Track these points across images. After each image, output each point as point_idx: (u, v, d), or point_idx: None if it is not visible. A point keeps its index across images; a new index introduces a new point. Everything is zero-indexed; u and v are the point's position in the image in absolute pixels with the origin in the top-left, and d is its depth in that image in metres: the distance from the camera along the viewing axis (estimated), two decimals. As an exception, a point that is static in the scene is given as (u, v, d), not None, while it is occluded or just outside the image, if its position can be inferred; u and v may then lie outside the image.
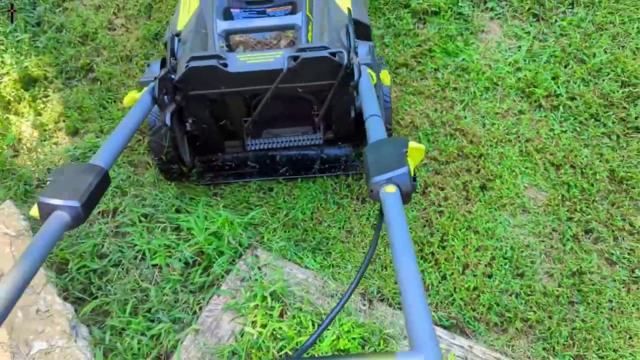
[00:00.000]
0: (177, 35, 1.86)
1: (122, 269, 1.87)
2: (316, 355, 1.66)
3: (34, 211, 0.98)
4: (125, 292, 1.81)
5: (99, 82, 2.32)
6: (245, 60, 1.71)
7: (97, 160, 1.11)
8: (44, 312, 1.64)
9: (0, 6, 2.46)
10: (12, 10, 2.25)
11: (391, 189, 0.97)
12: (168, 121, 1.69)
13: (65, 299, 1.73)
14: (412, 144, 1.07)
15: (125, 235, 1.94)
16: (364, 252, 1.92)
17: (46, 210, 0.95)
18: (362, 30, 1.90)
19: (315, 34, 1.83)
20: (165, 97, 1.69)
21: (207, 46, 1.84)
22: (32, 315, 1.63)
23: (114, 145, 1.22)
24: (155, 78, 1.61)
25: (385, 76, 1.73)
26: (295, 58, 1.65)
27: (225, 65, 1.67)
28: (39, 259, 0.85)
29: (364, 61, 1.67)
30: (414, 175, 1.05)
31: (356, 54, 1.70)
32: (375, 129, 1.24)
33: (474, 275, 1.87)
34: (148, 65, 1.80)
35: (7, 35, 2.37)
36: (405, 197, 0.99)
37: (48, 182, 0.99)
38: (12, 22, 2.26)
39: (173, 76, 1.70)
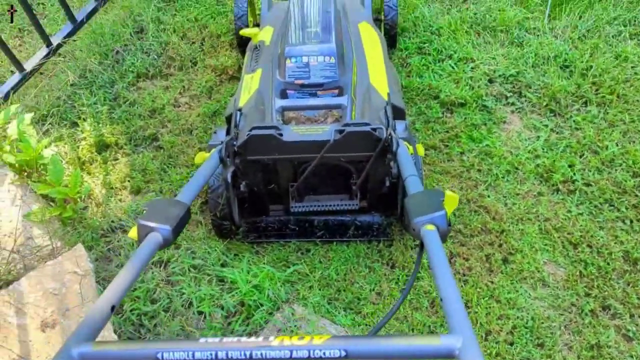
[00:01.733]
0: (239, 110, 2.10)
1: (170, 314, 1.99)
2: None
3: (133, 233, 1.15)
4: (172, 334, 1.92)
5: (162, 150, 2.57)
6: (298, 132, 1.93)
7: (181, 197, 1.30)
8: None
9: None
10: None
11: (431, 227, 1.11)
12: (229, 179, 1.89)
13: (119, 336, 1.84)
14: (448, 192, 1.23)
15: (175, 284, 2.08)
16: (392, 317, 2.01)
17: (144, 232, 1.12)
18: (397, 113, 2.12)
19: (358, 113, 2.05)
20: (228, 159, 1.90)
21: (264, 120, 2.07)
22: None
23: (193, 187, 1.43)
24: (222, 142, 1.84)
25: (420, 148, 1.92)
26: (341, 131, 1.87)
27: (281, 135, 1.89)
28: (139, 270, 0.99)
29: (401, 136, 1.86)
30: (449, 220, 1.19)
31: (394, 130, 1.91)
32: (413, 184, 1.40)
33: (496, 342, 1.93)
34: (215, 132, 2.04)
35: (89, 106, 2.67)
36: (442, 237, 1.13)
37: (144, 211, 1.16)
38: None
39: (235, 142, 1.92)
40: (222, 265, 2.14)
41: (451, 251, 2.18)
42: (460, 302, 0.83)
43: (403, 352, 0.73)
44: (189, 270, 2.10)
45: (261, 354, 0.72)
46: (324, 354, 0.71)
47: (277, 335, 0.77)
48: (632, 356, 1.90)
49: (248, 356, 0.72)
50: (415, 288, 2.09)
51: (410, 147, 1.81)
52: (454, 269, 2.13)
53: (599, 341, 1.92)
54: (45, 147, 2.24)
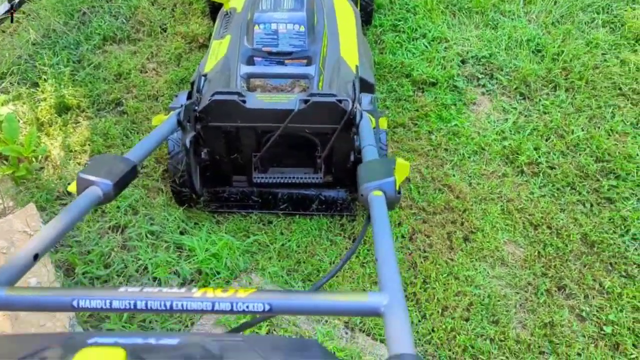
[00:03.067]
0: (204, 75, 2.05)
1: (125, 279, 1.95)
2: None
3: (72, 187, 1.10)
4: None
5: (125, 115, 2.50)
6: (262, 100, 1.89)
7: (129, 155, 1.25)
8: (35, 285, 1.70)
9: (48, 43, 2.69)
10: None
11: (378, 193, 1.09)
12: (188, 144, 1.85)
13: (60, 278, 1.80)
14: (400, 160, 1.21)
15: (132, 249, 2.03)
16: (351, 285, 2.00)
17: (83, 185, 1.07)
18: (366, 87, 2.09)
19: (325, 84, 2.02)
20: (188, 124, 1.86)
21: (229, 86, 2.02)
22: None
23: (144, 146, 1.37)
24: (182, 105, 1.79)
25: (383, 122, 1.90)
26: (306, 101, 1.84)
27: (244, 101, 1.85)
28: (70, 222, 0.94)
29: (366, 108, 1.84)
30: (399, 189, 1.18)
31: (360, 103, 1.88)
32: (369, 153, 1.39)
33: (452, 318, 1.94)
34: (176, 96, 1.99)
35: (51, 66, 2.58)
36: (391, 204, 1.11)
37: (87, 164, 1.11)
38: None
39: (196, 107, 1.88)
40: (181, 233, 2.10)
41: (413, 228, 2.17)
42: (394, 264, 0.81)
43: (328, 309, 0.71)
44: (146, 236, 2.06)
45: (182, 305, 0.68)
46: (247, 307, 0.68)
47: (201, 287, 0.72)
48: (584, 335, 1.92)
49: (168, 307, 0.68)
50: (375, 262, 2.08)
51: (373, 120, 1.79)
52: (415, 246, 2.12)
53: (552, 320, 1.94)
54: (2, 104, 2.16)
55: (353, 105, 1.85)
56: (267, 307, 0.68)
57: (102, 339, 0.49)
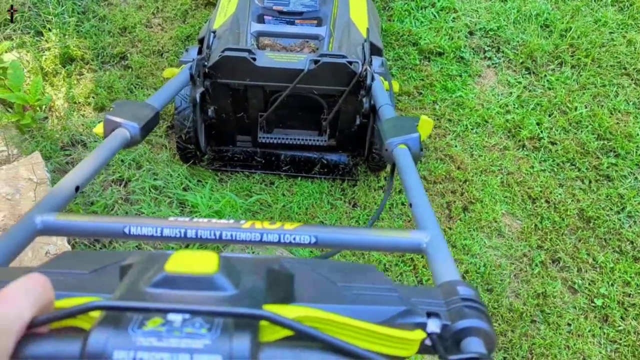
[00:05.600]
0: (213, 31, 2.01)
1: (127, 232, 1.95)
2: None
3: (98, 128, 1.09)
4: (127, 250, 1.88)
5: (130, 69, 2.46)
6: (272, 58, 1.86)
7: (151, 101, 1.24)
8: (52, 255, 1.70)
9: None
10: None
11: (403, 146, 1.09)
12: (198, 98, 1.83)
13: (72, 247, 1.79)
14: (423, 117, 1.21)
15: (135, 203, 2.02)
16: (349, 252, 2.01)
17: (110, 127, 1.05)
18: (375, 51, 2.06)
19: (335, 46, 1.99)
20: (198, 79, 1.83)
21: (239, 43, 1.99)
22: (40, 256, 1.69)
23: (164, 94, 1.36)
24: (194, 59, 1.76)
25: (395, 85, 1.88)
26: (316, 62, 1.81)
27: (254, 59, 1.82)
28: (104, 160, 0.93)
29: (377, 71, 1.82)
30: (422, 145, 1.18)
31: (370, 65, 1.86)
32: (387, 111, 1.37)
33: (448, 284, 1.96)
34: (186, 50, 1.95)
35: (56, 15, 2.51)
36: (414, 159, 1.11)
37: (112, 107, 1.10)
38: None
39: (206, 63, 1.85)
40: (184, 190, 2.09)
41: (414, 195, 2.17)
42: (429, 206, 0.82)
43: (373, 244, 0.71)
44: (150, 190, 2.05)
45: (231, 235, 0.68)
46: (294, 239, 0.68)
47: (248, 219, 0.73)
48: (575, 307, 1.95)
49: (217, 236, 0.68)
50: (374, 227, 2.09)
51: (386, 83, 1.77)
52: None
53: (545, 291, 1.97)
54: (6, 51, 2.11)
55: (363, 67, 1.83)
56: (312, 240, 0.69)
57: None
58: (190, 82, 1.72)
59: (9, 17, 2.38)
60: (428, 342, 0.52)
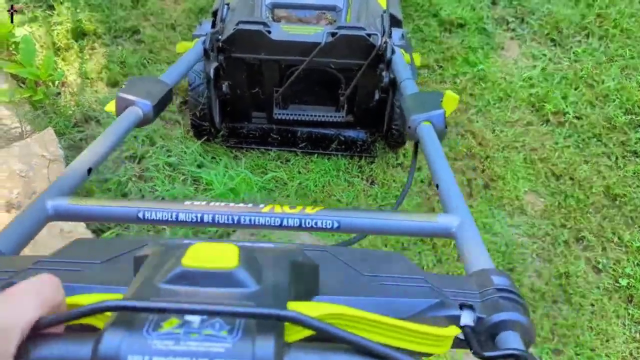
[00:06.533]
0: (227, 4, 1.94)
1: (142, 210, 1.92)
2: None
3: (110, 106, 1.04)
4: (140, 232, 1.85)
5: (142, 44, 2.40)
6: (287, 31, 1.79)
7: (165, 78, 1.19)
8: (67, 233, 1.68)
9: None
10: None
11: (427, 123, 1.03)
12: (212, 74, 1.77)
13: (87, 225, 1.77)
14: (449, 92, 1.14)
15: (149, 180, 1.99)
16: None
17: (123, 105, 1.01)
18: (395, 23, 1.98)
19: (353, 17, 1.91)
20: (212, 53, 1.77)
21: (253, 16, 1.92)
22: (55, 233, 1.67)
23: (178, 70, 1.30)
24: (207, 33, 1.70)
25: (417, 58, 1.81)
26: (333, 34, 1.74)
27: (269, 32, 1.76)
28: (117, 139, 0.89)
29: (397, 43, 1.75)
30: (446, 122, 1.12)
31: (390, 37, 1.79)
32: (410, 87, 1.31)
33: (468, 263, 1.91)
34: (200, 24, 1.89)
35: (65, -11, 2.46)
36: (438, 134, 1.06)
37: (124, 85, 1.05)
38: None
39: (220, 37, 1.79)
40: (199, 167, 2.05)
41: (433, 172, 2.11)
42: (457, 188, 0.77)
43: (398, 228, 0.67)
44: (164, 167, 2.01)
45: (250, 220, 0.65)
46: (316, 223, 0.65)
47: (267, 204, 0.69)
48: (598, 287, 1.90)
49: (235, 221, 0.65)
50: (392, 205, 2.05)
51: (407, 55, 1.69)
52: (433, 191, 2.07)
53: (568, 270, 1.91)
54: (18, 26, 2.07)
55: (382, 39, 1.76)
56: (335, 225, 0.66)
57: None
58: (203, 57, 1.67)
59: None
60: (461, 337, 0.48)
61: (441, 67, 2.40)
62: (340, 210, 0.68)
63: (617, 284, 1.90)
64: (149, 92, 1.04)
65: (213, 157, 2.10)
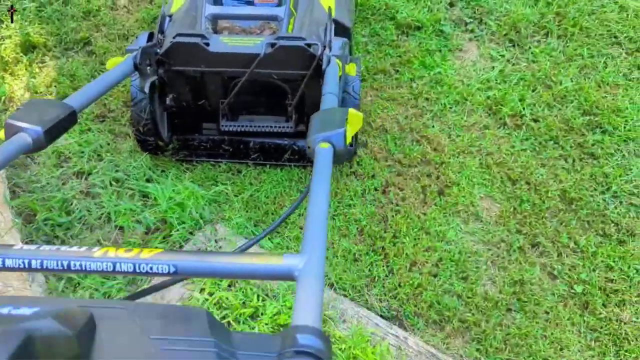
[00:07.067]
0: (170, 16, 1.90)
1: (87, 226, 1.89)
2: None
3: (1, 133, 1.01)
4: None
5: (94, 55, 2.36)
6: (226, 43, 1.75)
7: (69, 100, 1.15)
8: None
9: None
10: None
11: (325, 145, 0.99)
12: (147, 89, 1.74)
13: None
14: (352, 111, 1.10)
15: (95, 196, 1.96)
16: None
17: (11, 131, 0.97)
18: (341, 31, 1.94)
19: (296, 27, 1.87)
20: (148, 68, 1.74)
21: (195, 27, 1.88)
22: None
23: (88, 92, 1.26)
24: (140, 47, 1.66)
25: (351, 68, 1.77)
26: (273, 45, 1.70)
27: (207, 44, 1.72)
28: None
29: (335, 53, 1.71)
30: (352, 142, 1.08)
31: (330, 48, 1.75)
32: (328, 102, 1.28)
33: (420, 273, 1.88)
34: (137, 37, 1.85)
35: (15, 2, 2.42)
36: (339, 157, 1.02)
37: (18, 108, 1.02)
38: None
39: (158, 50, 1.75)
40: (147, 181, 2.02)
41: (387, 180, 2.08)
42: (323, 224, 0.74)
43: (239, 272, 0.64)
44: (110, 183, 1.97)
45: (80, 265, 0.62)
46: (151, 268, 0.62)
47: (103, 246, 0.66)
48: (553, 294, 1.86)
49: (65, 266, 0.62)
50: (345, 215, 2.01)
51: (341, 65, 1.66)
52: (387, 199, 2.04)
53: (522, 277, 1.88)
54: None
55: (323, 49, 1.72)
56: (172, 269, 0.63)
57: None
58: (135, 72, 1.63)
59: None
60: None
61: (398, 71, 2.36)
62: (179, 253, 0.65)
63: (573, 291, 1.87)
64: (40, 118, 1.00)
65: (163, 171, 2.06)
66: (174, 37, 1.72)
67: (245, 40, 1.75)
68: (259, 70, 1.72)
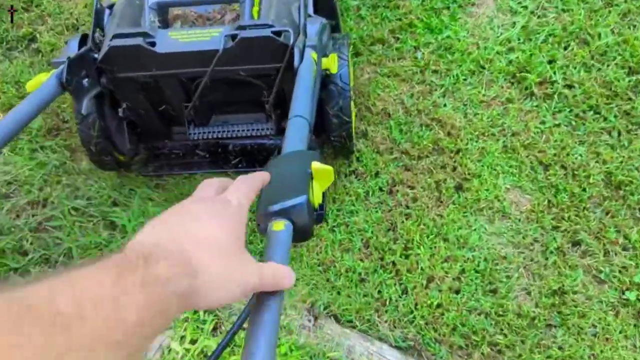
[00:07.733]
0: (110, 7, 1.55)
1: (50, 267, 1.63)
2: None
3: None
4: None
5: (40, 54, 2.02)
6: (177, 39, 1.41)
7: None
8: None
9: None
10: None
11: (279, 226, 0.67)
12: (84, 110, 1.42)
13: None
14: (316, 166, 0.77)
15: (56, 229, 1.69)
16: (316, 260, 1.64)
17: None
18: (322, 6, 1.57)
19: (263, 8, 1.50)
20: (86, 80, 1.41)
21: (139, 21, 1.53)
22: None
23: (2, 129, 0.96)
24: (67, 60, 1.33)
25: (333, 62, 1.41)
26: (233, 37, 1.36)
27: (153, 44, 1.38)
28: None
29: (310, 42, 1.35)
30: (322, 202, 0.76)
31: (305, 34, 1.39)
32: (292, 136, 0.95)
33: (439, 291, 1.59)
34: (66, 43, 1.51)
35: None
36: (303, 233, 0.70)
37: None
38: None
39: (96, 55, 1.43)
40: (114, 204, 1.73)
41: (393, 177, 1.75)
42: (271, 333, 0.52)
43: None
44: (70, 213, 1.69)
45: None
46: None
47: None
48: (601, 302, 1.56)
49: None
50: (347, 225, 1.71)
51: (315, 59, 1.30)
52: (395, 201, 1.72)
53: (563, 285, 1.57)
54: None
55: (297, 37, 1.37)
56: None
57: None
58: (64, 92, 1.31)
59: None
60: None
61: (398, 39, 1.96)
62: None
63: (624, 297, 1.56)
64: None
65: (131, 189, 1.77)
66: (110, 39, 1.38)
67: (199, 34, 1.40)
68: (221, 68, 1.39)
